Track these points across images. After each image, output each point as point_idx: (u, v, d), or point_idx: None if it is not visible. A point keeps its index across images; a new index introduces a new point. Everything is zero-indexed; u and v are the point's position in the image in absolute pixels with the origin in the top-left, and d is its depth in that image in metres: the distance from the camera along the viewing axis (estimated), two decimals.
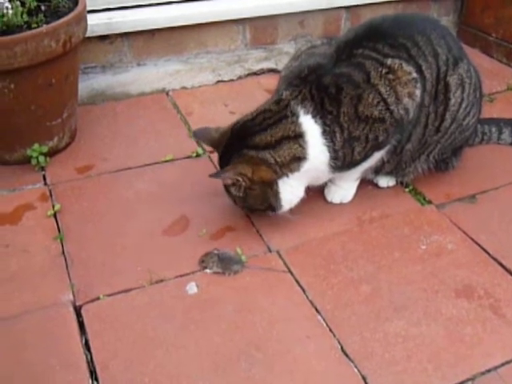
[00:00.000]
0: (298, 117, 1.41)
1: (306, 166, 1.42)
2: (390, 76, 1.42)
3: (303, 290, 1.36)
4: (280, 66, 2.33)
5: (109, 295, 1.33)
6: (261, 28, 2.32)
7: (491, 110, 2.02)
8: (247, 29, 2.30)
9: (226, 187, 1.46)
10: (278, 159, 1.41)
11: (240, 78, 2.30)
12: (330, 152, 1.42)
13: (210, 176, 1.43)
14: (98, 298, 1.33)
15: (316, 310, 1.31)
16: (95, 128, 1.95)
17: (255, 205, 1.46)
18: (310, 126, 1.41)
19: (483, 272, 1.41)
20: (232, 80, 2.29)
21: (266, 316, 1.29)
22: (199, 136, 1.51)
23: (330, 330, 1.26)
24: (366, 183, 1.69)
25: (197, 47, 2.23)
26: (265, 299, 1.34)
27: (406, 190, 1.71)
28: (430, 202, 1.66)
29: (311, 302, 1.33)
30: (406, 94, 1.44)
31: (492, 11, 2.47)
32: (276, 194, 1.44)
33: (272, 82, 2.20)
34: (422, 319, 1.29)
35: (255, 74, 2.33)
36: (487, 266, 1.43)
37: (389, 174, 1.66)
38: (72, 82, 1.76)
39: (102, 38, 2.07)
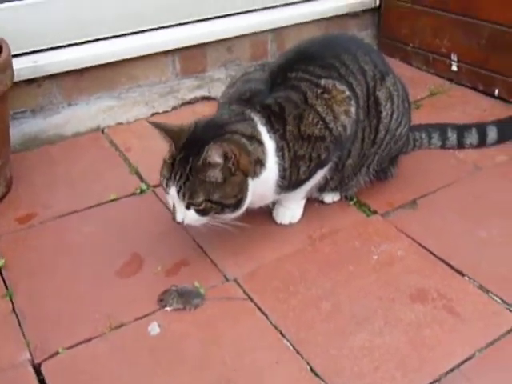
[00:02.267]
0: (256, 124, 1.42)
1: (262, 176, 1.41)
2: (326, 96, 1.47)
3: (266, 316, 1.37)
4: (213, 93, 2.36)
5: (68, 348, 1.29)
6: (190, 57, 2.34)
7: (419, 116, 2.11)
8: (176, 59, 2.31)
9: (202, 169, 1.31)
10: (253, 152, 1.38)
11: (174, 108, 2.30)
12: (279, 170, 1.44)
13: (213, 143, 1.28)
14: (57, 353, 1.28)
15: (281, 334, 1.32)
16: (32, 175, 1.89)
17: (229, 195, 1.34)
18: (267, 139, 1.42)
19: (433, 274, 1.47)
20: (167, 111, 2.28)
21: (232, 347, 1.29)
22: (157, 126, 1.38)
23: (298, 352, 1.28)
24: (312, 201, 1.73)
25: (128, 82, 2.22)
26: (229, 330, 1.33)
27: (351, 203, 1.76)
28: (374, 212, 1.72)
29: (275, 326, 1.34)
30: (342, 112, 1.49)
31: (407, 22, 2.61)
32: (246, 190, 1.38)
33: (207, 109, 2.23)
34: (384, 328, 1.33)
35: (189, 103, 2.34)
36: (436, 268, 1.49)
37: (333, 189, 1.71)
38: (2, 131, 1.70)
39: (29, 81, 2.02)
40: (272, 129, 1.43)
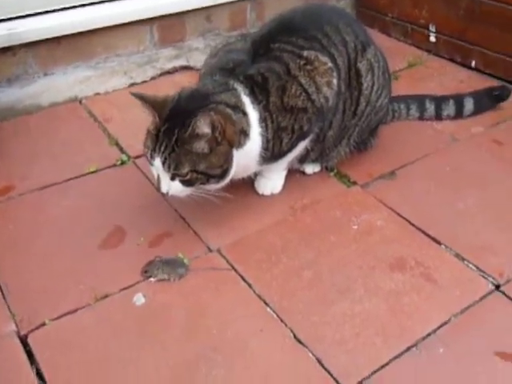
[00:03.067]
0: (240, 95, 1.41)
1: (246, 146, 1.41)
2: (308, 67, 1.48)
3: (249, 285, 1.39)
4: (192, 63, 2.33)
5: (54, 319, 1.30)
6: (168, 26, 2.31)
7: (397, 87, 2.12)
8: (155, 28, 2.28)
9: (188, 141, 1.31)
10: (237, 122, 1.38)
11: (153, 78, 2.27)
12: (262, 142, 1.45)
13: (202, 114, 1.28)
14: (44, 324, 1.29)
15: (265, 302, 1.35)
16: (9, 146, 1.86)
17: (215, 165, 1.34)
18: (250, 109, 1.42)
19: (411, 244, 1.51)
20: (145, 81, 2.25)
21: (217, 317, 1.31)
22: (139, 97, 1.36)
23: (281, 320, 1.31)
24: (293, 172, 1.74)
25: (105, 51, 2.19)
26: (214, 300, 1.36)
27: (331, 174, 1.78)
28: (354, 183, 1.74)
29: (259, 295, 1.37)
30: (324, 84, 1.50)
31: None
32: (231, 161, 1.38)
33: (186, 79, 2.21)
34: (364, 296, 1.37)
35: (168, 72, 2.31)
36: (414, 238, 1.53)
37: (314, 161, 1.72)
38: None
39: (4, 50, 1.98)
40: (255, 100, 1.43)
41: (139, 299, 1.35)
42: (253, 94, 1.43)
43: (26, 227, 1.56)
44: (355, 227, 1.57)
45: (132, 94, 1.38)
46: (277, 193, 1.69)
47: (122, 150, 1.85)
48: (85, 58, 2.15)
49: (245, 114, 1.41)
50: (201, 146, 1.33)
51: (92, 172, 1.76)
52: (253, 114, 1.42)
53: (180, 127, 1.32)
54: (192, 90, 1.42)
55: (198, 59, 2.32)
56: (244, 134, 1.40)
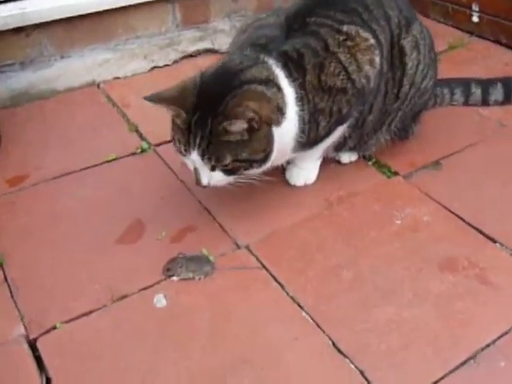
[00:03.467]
0: (271, 67, 1.27)
1: (282, 126, 1.26)
2: (349, 43, 1.32)
3: (282, 287, 1.25)
4: (217, 45, 2.19)
5: (67, 322, 1.17)
6: (192, 6, 2.17)
7: (438, 71, 1.97)
8: (177, 8, 2.14)
9: (224, 133, 1.19)
10: (272, 98, 1.24)
11: (175, 62, 2.14)
12: (299, 123, 1.30)
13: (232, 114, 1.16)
14: (55, 328, 1.16)
15: (299, 306, 1.21)
16: (23, 132, 1.75)
17: (257, 150, 1.22)
18: (285, 84, 1.27)
19: (463, 241, 1.35)
20: (167, 65, 2.12)
21: (246, 322, 1.18)
22: (154, 99, 1.23)
23: (318, 326, 1.17)
24: (327, 161, 1.59)
25: (125, 32, 2.06)
26: (242, 302, 1.22)
27: (370, 163, 1.62)
28: (395, 174, 1.58)
29: (292, 298, 1.23)
30: (366, 62, 1.34)
31: None
32: (273, 141, 1.24)
33: (210, 63, 2.05)
34: (412, 301, 1.21)
35: (191, 56, 2.17)
36: (466, 235, 1.37)
37: (351, 149, 1.57)
38: None
39: (17, 30, 1.86)
40: (290, 76, 1.28)
41: (160, 300, 1.22)
42: (287, 70, 1.28)
43: (39, 219, 1.44)
44: (398, 222, 1.42)
45: (145, 98, 1.24)
46: (310, 183, 1.54)
47: (142, 137, 1.72)
48: (103, 40, 2.02)
49: (279, 88, 1.26)
50: (239, 134, 1.20)
51: (110, 160, 1.63)
52: (288, 89, 1.28)
53: (213, 116, 1.18)
54: (217, 68, 1.28)
55: (223, 42, 2.17)
56: (280, 111, 1.26)
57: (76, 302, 1.21)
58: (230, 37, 2.03)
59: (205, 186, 1.27)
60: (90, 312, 1.19)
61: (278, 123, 1.25)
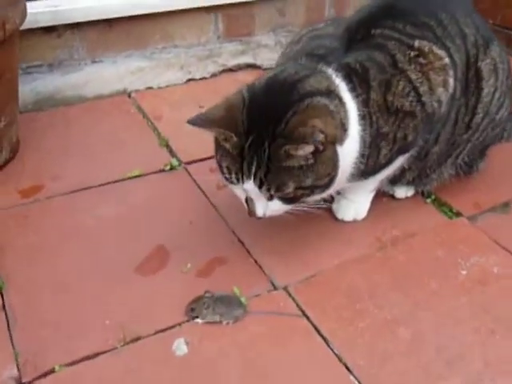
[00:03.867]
0: (331, 77, 1.09)
1: (344, 145, 1.07)
2: (421, 60, 1.14)
3: (325, 341, 1.05)
4: (259, 61, 2.03)
5: (68, 365, 0.99)
6: (235, 17, 2.02)
7: None
8: (220, 18, 1.99)
9: (285, 158, 1.00)
10: (335, 112, 1.06)
11: (214, 75, 1.98)
12: (361, 144, 1.11)
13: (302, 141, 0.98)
14: (53, 371, 0.98)
15: (346, 367, 1.00)
16: (43, 140, 1.59)
17: (322, 175, 1.04)
18: (347, 97, 1.09)
19: None
20: (205, 78, 1.96)
21: (282, 380, 0.97)
22: (200, 123, 1.04)
23: None
24: (379, 195, 1.39)
25: (163, 40, 1.91)
26: (277, 356, 1.02)
27: (428, 200, 1.42)
28: (459, 215, 1.38)
29: (338, 356, 1.02)
30: (440, 83, 1.15)
31: None
32: (338, 163, 1.06)
33: (251, 78, 1.89)
34: (484, 373, 1.00)
35: (231, 70, 2.01)
36: None
37: (408, 183, 1.37)
38: (9, 82, 1.40)
39: (48, 30, 1.72)
40: (353, 90, 1.10)
41: (180, 347, 1.02)
42: (350, 83, 1.10)
43: (49, 238, 1.26)
44: (464, 273, 1.21)
45: (189, 122, 1.04)
46: (360, 219, 1.34)
47: (172, 153, 1.55)
48: (138, 47, 1.88)
49: (341, 101, 1.08)
50: (303, 159, 1.01)
51: (135, 176, 1.46)
52: (350, 104, 1.09)
53: (271, 139, 1.00)
54: (267, 79, 1.09)
55: (266, 57, 2.02)
56: (343, 127, 1.07)
57: (81, 340, 1.03)
58: (274, 52, 1.88)
59: (259, 218, 1.09)
60: (96, 355, 1.00)
61: (342, 141, 1.06)
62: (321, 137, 0.99)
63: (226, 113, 1.04)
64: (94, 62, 1.83)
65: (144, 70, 1.88)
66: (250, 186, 1.04)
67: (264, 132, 1.00)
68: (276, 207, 1.08)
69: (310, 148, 0.99)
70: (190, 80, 1.93)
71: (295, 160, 1.00)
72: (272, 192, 1.04)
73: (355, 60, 1.12)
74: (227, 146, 1.04)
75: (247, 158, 1.02)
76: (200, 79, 1.95)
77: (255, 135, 1.01)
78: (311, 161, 1.01)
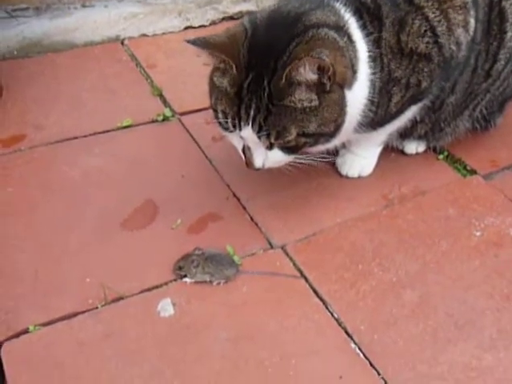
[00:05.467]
0: (340, 11, 0.98)
1: (352, 90, 0.97)
2: None
3: (325, 304, 0.96)
4: (262, 7, 1.88)
5: (43, 325, 0.91)
6: None
7: None
8: None
9: (286, 92, 0.90)
10: (345, 50, 0.95)
11: (213, 23, 1.85)
12: (369, 90, 1.00)
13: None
14: (27, 331, 0.90)
15: (346, 333, 0.92)
16: (28, 87, 1.48)
17: (328, 120, 0.94)
18: (357, 35, 0.98)
19: None
20: (203, 26, 1.83)
21: (276, 347, 0.89)
22: (198, 43, 0.94)
23: (371, 363, 0.88)
24: (386, 150, 1.29)
25: None
26: (272, 320, 0.93)
27: (440, 157, 1.31)
28: (473, 172, 1.27)
29: (338, 321, 0.94)
30: (459, 23, 1.04)
31: None
32: (346, 109, 0.96)
33: None
34: (498, 340, 0.92)
35: (231, 18, 1.87)
36: None
37: (420, 137, 1.26)
38: None
39: None
40: (364, 27, 0.98)
41: (166, 308, 0.94)
42: (360, 19, 0.98)
43: (29, 190, 1.17)
44: (478, 234, 1.11)
45: (188, 41, 0.94)
46: (366, 175, 1.24)
47: (165, 103, 1.44)
48: None
49: (351, 39, 0.96)
50: (306, 96, 0.91)
51: (125, 127, 1.36)
52: (360, 43, 0.98)
53: (271, 75, 0.90)
54: (270, 12, 0.98)
55: (271, 4, 1.87)
56: (352, 68, 0.96)
57: (58, 299, 0.95)
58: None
59: (258, 169, 0.99)
60: (75, 314, 0.92)
61: (350, 85, 0.95)
62: (326, 61, 0.87)
63: (227, 41, 0.94)
64: (84, 6, 1.70)
65: (138, 16, 1.75)
66: (247, 132, 0.94)
67: (264, 69, 0.90)
68: (276, 158, 0.98)
69: (312, 73, 0.88)
70: (187, 28, 1.80)
71: (296, 98, 0.90)
72: (272, 139, 0.94)
73: None
74: (224, 83, 0.94)
75: (245, 99, 0.92)
76: (198, 27, 1.82)
77: (255, 73, 0.90)
78: (315, 102, 0.91)
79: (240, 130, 0.95)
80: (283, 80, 0.88)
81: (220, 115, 0.97)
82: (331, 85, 0.91)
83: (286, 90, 0.89)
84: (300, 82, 0.89)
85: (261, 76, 0.90)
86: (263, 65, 0.91)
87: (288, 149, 0.97)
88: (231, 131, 0.97)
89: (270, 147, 0.96)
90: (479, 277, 1.02)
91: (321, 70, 0.88)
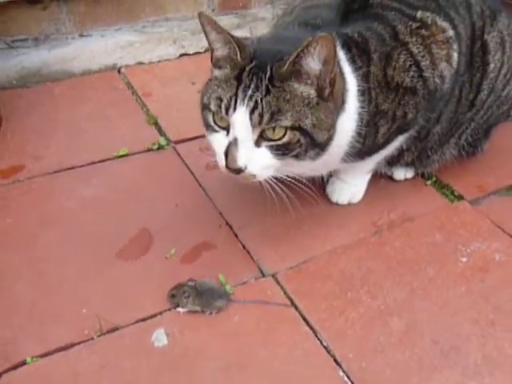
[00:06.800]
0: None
1: (340, 119, 0.99)
2: (423, 32, 1.06)
3: (314, 332, 0.99)
4: (256, 35, 1.93)
5: (40, 356, 0.93)
6: None
7: None
8: None
9: (289, 77, 0.92)
10: (338, 74, 0.98)
11: (208, 50, 1.87)
12: (357, 123, 1.03)
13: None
14: (25, 363, 0.92)
15: (335, 361, 0.95)
16: (27, 117, 1.52)
17: (323, 124, 0.94)
18: (348, 71, 1.02)
19: None
20: (198, 53, 1.87)
21: (266, 375, 0.92)
22: (210, 21, 0.95)
23: None
24: (376, 177, 1.32)
25: (154, 13, 1.81)
26: (263, 349, 0.96)
27: (429, 182, 1.35)
28: (460, 198, 1.31)
29: (327, 349, 0.96)
30: (442, 57, 1.08)
31: None
32: (335, 127, 0.98)
33: None
34: (482, 366, 0.94)
35: None
36: None
37: (407, 164, 1.30)
38: None
39: (32, 1, 1.63)
40: (353, 61, 1.02)
41: (160, 338, 0.97)
42: (349, 53, 1.02)
43: (27, 221, 1.20)
44: (463, 260, 1.14)
45: (200, 15, 0.96)
46: (356, 202, 1.28)
47: (160, 132, 1.48)
48: (129, 20, 1.78)
49: (341, 71, 1.00)
50: (306, 89, 0.93)
51: (121, 156, 1.39)
52: (350, 77, 1.01)
53: (275, 61, 0.92)
54: (270, 37, 1.06)
55: (264, 31, 1.92)
56: (342, 96, 0.99)
57: (55, 330, 0.97)
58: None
59: (239, 171, 0.94)
60: (71, 346, 0.95)
61: (339, 112, 0.99)
62: (331, 51, 0.89)
63: (238, 37, 0.96)
64: (81, 35, 1.74)
65: (134, 45, 1.79)
66: (240, 115, 0.91)
67: (269, 57, 0.93)
68: (262, 160, 0.94)
69: (317, 62, 0.90)
70: (182, 55, 1.85)
71: (296, 86, 0.92)
72: (264, 121, 0.91)
73: (353, 30, 1.04)
74: (227, 68, 0.95)
75: (245, 80, 0.92)
76: (193, 54, 1.86)
77: (259, 60, 0.93)
78: (314, 99, 0.93)
79: (234, 111, 0.92)
80: (288, 63, 0.90)
81: (213, 104, 0.95)
82: (329, 94, 0.94)
83: (288, 74, 0.91)
84: (303, 68, 0.91)
85: (264, 62, 0.92)
86: (268, 55, 0.93)
87: (277, 150, 0.94)
88: (220, 120, 0.95)
89: (258, 144, 0.94)
90: (465, 303, 1.05)
91: (324, 60, 0.90)
